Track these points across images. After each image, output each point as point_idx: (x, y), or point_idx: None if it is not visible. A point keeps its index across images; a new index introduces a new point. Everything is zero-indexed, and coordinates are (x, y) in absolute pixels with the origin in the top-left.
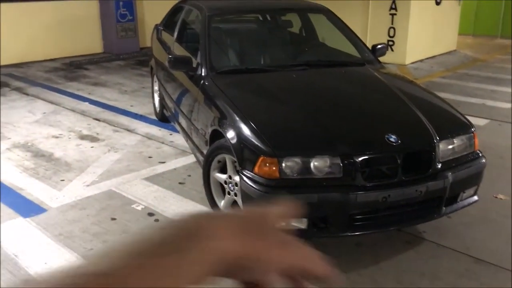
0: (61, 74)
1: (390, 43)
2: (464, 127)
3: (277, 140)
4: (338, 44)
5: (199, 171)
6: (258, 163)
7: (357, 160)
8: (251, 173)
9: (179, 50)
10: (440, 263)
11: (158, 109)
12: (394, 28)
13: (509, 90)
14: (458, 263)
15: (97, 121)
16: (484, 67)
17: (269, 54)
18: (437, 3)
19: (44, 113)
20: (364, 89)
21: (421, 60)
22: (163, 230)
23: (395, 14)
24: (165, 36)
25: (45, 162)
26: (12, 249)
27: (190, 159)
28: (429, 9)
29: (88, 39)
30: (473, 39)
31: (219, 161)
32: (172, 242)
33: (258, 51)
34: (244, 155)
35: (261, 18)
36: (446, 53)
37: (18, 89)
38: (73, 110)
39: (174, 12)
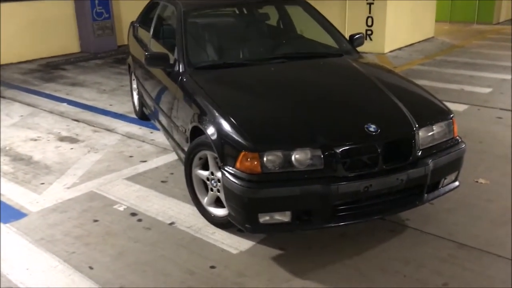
0: (38, 76)
1: (369, 32)
2: (442, 114)
3: (257, 135)
4: (316, 35)
5: (181, 168)
6: (239, 159)
7: (337, 151)
8: (233, 169)
9: (156, 47)
10: (424, 250)
11: (137, 108)
12: (372, 18)
13: (487, 75)
14: (442, 249)
15: (76, 122)
16: (462, 53)
17: (247, 48)
18: None
19: (22, 116)
20: (343, 80)
21: (399, 48)
22: None
23: (372, 3)
24: (142, 33)
25: (24, 166)
26: None
27: (172, 157)
28: None
29: (65, 39)
30: (450, 25)
31: (200, 158)
32: None
33: (235, 45)
34: (225, 151)
35: (238, 12)
36: (424, 40)
37: None
38: (51, 112)
39: (150, 8)
